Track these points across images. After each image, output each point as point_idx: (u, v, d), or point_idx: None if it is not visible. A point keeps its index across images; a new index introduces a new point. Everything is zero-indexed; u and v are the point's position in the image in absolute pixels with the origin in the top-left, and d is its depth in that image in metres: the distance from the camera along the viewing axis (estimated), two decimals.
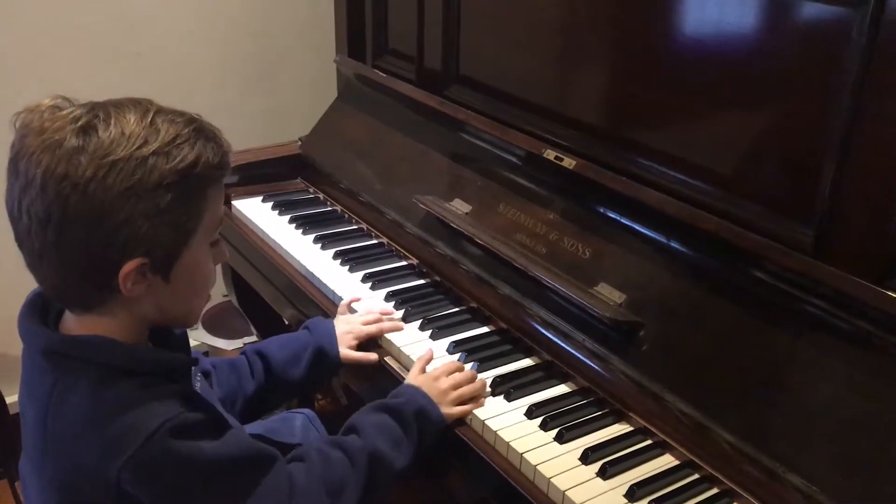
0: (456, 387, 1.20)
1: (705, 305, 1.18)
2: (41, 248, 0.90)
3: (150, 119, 0.91)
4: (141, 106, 0.93)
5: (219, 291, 2.06)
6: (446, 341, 1.34)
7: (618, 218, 1.31)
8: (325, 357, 1.31)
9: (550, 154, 1.38)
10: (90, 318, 0.96)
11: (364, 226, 1.73)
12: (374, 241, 1.69)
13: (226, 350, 2.27)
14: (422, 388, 1.20)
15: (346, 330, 1.34)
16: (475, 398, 1.21)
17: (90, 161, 0.87)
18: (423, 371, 1.26)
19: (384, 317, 1.39)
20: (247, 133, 2.36)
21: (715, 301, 1.18)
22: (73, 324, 0.98)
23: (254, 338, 2.22)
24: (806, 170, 1.13)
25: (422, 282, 1.54)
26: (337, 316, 1.40)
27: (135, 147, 0.88)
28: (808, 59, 1.11)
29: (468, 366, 1.28)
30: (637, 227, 1.28)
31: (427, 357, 1.28)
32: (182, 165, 0.90)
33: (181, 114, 0.96)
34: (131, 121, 0.90)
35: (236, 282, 1.92)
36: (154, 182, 0.89)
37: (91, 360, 0.94)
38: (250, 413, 1.30)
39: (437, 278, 1.53)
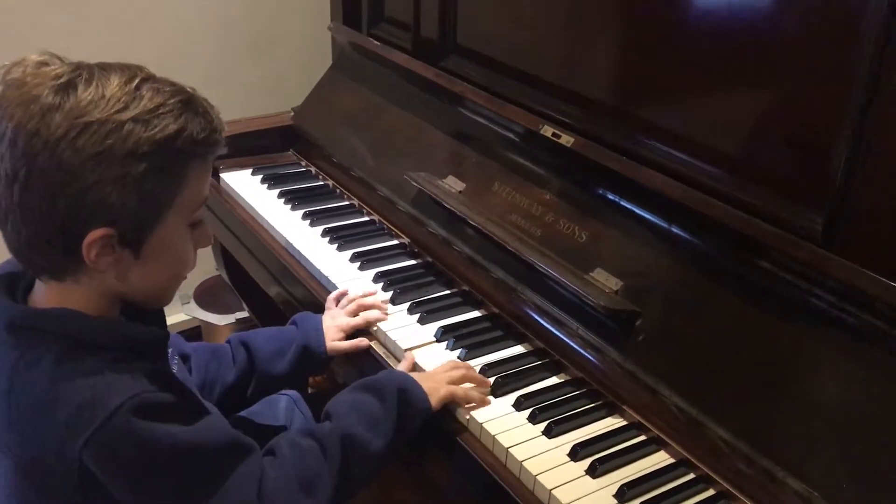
0: (450, 381, 1.13)
1: (706, 295, 1.11)
2: (7, 207, 0.87)
3: (134, 84, 0.87)
4: (129, 70, 0.89)
5: (211, 266, 2.00)
6: (434, 326, 1.29)
7: (617, 200, 1.24)
8: (310, 354, 1.26)
9: (548, 131, 1.31)
10: (58, 289, 0.92)
11: (356, 202, 1.67)
12: (366, 219, 1.62)
13: (218, 325, 2.22)
14: (406, 371, 1.15)
15: (332, 323, 1.29)
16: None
17: (63, 120, 0.83)
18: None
19: (368, 300, 1.33)
20: (241, 103, 2.29)
21: (716, 291, 1.11)
22: (41, 296, 0.94)
23: (247, 313, 2.17)
24: (816, 151, 1.06)
25: (412, 262, 1.48)
26: (325, 311, 1.34)
27: (112, 111, 0.84)
28: (823, 28, 1.03)
29: (455, 353, 1.23)
30: (637, 210, 1.21)
31: (411, 360, 1.21)
32: (161, 136, 0.86)
33: (172, 84, 0.91)
34: (114, 84, 0.86)
35: (227, 257, 1.86)
36: (128, 149, 0.84)
37: (56, 333, 0.90)
38: (229, 403, 1.25)
39: (429, 259, 1.46)
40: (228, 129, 1.75)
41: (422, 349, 1.24)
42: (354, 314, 1.31)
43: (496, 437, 1.07)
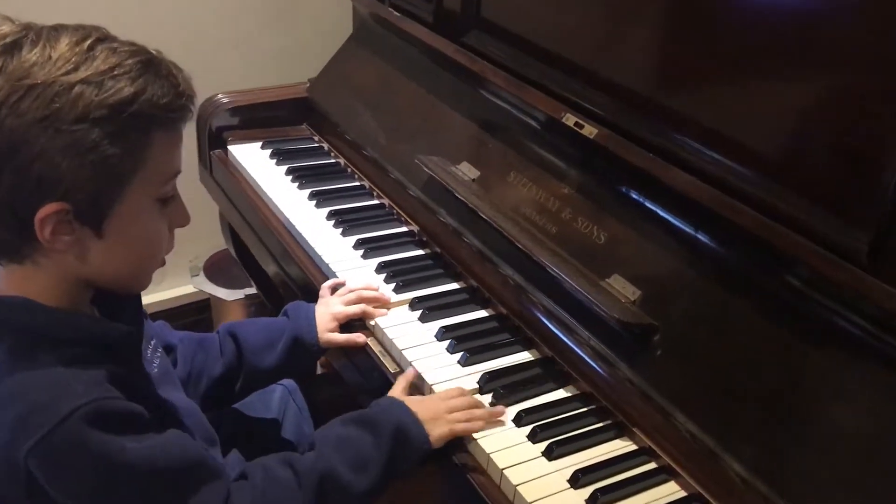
0: (451, 411, 1.02)
1: (731, 313, 1.00)
2: None
3: (87, 45, 0.80)
4: (83, 31, 0.81)
5: (222, 239, 1.93)
6: (436, 325, 1.19)
7: (640, 200, 1.13)
8: (301, 345, 1.18)
9: (570, 119, 1.20)
10: (18, 273, 0.85)
11: (366, 183, 1.57)
12: (375, 202, 1.53)
13: (226, 300, 2.15)
14: (406, 403, 1.03)
15: (325, 311, 1.21)
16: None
17: (5, 83, 0.77)
18: (406, 392, 1.09)
19: (370, 293, 1.24)
20: (260, 72, 2.22)
21: (743, 309, 1.00)
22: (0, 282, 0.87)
23: (256, 289, 2.09)
24: (868, 159, 0.93)
25: (420, 252, 1.38)
26: (319, 299, 1.26)
27: (60, 72, 0.77)
28: (883, 16, 0.90)
29: (456, 357, 1.13)
30: (661, 212, 1.10)
31: (410, 376, 1.11)
32: (114, 99, 0.78)
33: (132, 45, 0.83)
34: (63, 44, 0.79)
35: (234, 232, 1.79)
36: (77, 114, 0.77)
37: (11, 324, 0.84)
38: (217, 397, 1.17)
39: (438, 250, 1.37)
40: (240, 99, 1.74)
41: (419, 349, 1.15)
42: (352, 304, 1.23)
43: (491, 455, 0.98)
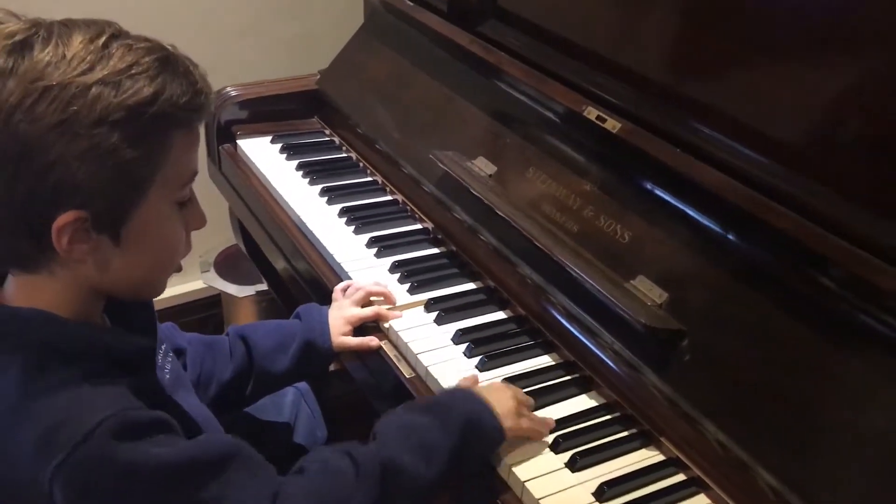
0: (520, 405, 0.97)
1: (764, 318, 0.95)
2: None
3: (102, 42, 0.75)
4: (96, 26, 0.77)
5: (231, 234, 1.89)
6: (453, 328, 1.15)
7: (666, 198, 1.08)
8: (314, 350, 1.14)
9: (592, 113, 1.15)
10: (31, 284, 0.81)
11: (379, 179, 1.53)
12: (388, 198, 1.48)
13: (238, 297, 2.11)
14: (483, 393, 0.96)
15: (338, 315, 1.17)
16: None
17: (17, 85, 0.72)
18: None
19: (378, 287, 1.20)
20: (274, 61, 2.17)
21: (775, 312, 0.95)
22: (13, 290, 0.84)
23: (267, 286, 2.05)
24: None
25: (435, 251, 1.34)
26: (332, 302, 1.22)
27: (76, 73, 0.73)
28: None
29: (474, 361, 1.09)
30: (689, 211, 1.05)
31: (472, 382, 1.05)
32: (134, 100, 0.74)
33: (147, 41, 0.79)
34: (77, 42, 0.74)
35: (243, 228, 1.75)
36: (96, 117, 0.73)
37: (26, 338, 0.79)
38: (227, 402, 1.13)
39: (453, 248, 1.32)
40: (249, 92, 1.69)
41: (435, 353, 1.11)
42: (363, 304, 1.19)
43: (513, 468, 0.94)
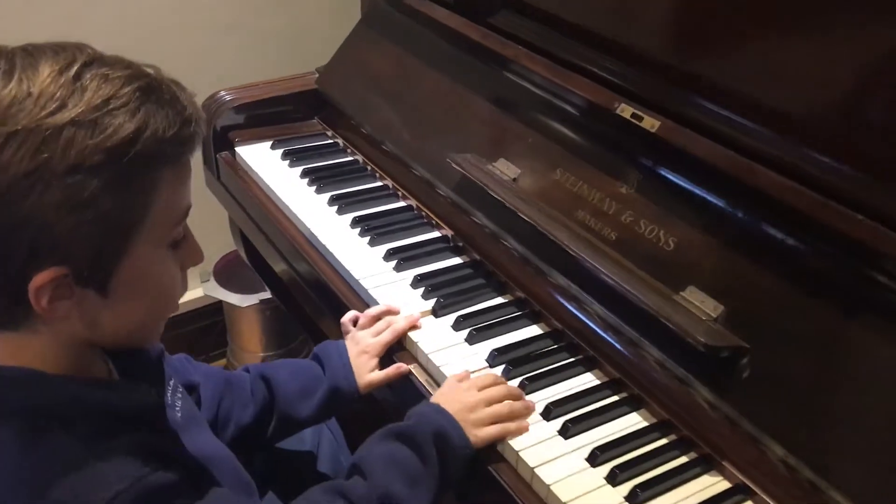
0: (489, 402, 0.95)
1: (836, 329, 0.88)
2: None
3: (73, 72, 0.66)
4: (65, 54, 0.67)
5: (231, 239, 1.80)
6: (486, 347, 1.07)
7: (715, 201, 1.00)
8: (340, 395, 1.06)
9: (626, 111, 1.07)
10: (12, 340, 0.72)
11: (389, 183, 1.44)
12: (401, 204, 1.40)
13: (240, 307, 2.02)
14: (442, 404, 0.95)
15: (358, 351, 1.09)
16: (516, 419, 0.95)
17: None
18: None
19: (397, 320, 1.11)
20: (259, 59, 2.06)
21: (844, 324, 0.88)
22: None
23: (270, 294, 1.97)
24: None
25: (457, 261, 1.26)
26: (346, 336, 1.13)
27: (45, 113, 0.64)
28: None
29: (513, 382, 1.01)
30: (742, 215, 0.97)
31: (461, 376, 1.01)
32: (113, 141, 0.65)
33: (126, 66, 0.70)
34: (44, 74, 0.65)
35: (244, 235, 1.66)
36: (70, 164, 0.64)
37: (12, 401, 0.71)
38: (244, 444, 1.05)
39: (477, 257, 1.24)
40: (244, 95, 1.60)
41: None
42: (380, 331, 1.11)
43: (552, 487, 0.87)
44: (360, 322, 1.13)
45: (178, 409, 0.91)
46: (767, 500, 0.87)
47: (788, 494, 0.87)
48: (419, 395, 1.05)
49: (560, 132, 1.19)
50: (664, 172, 1.05)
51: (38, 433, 0.70)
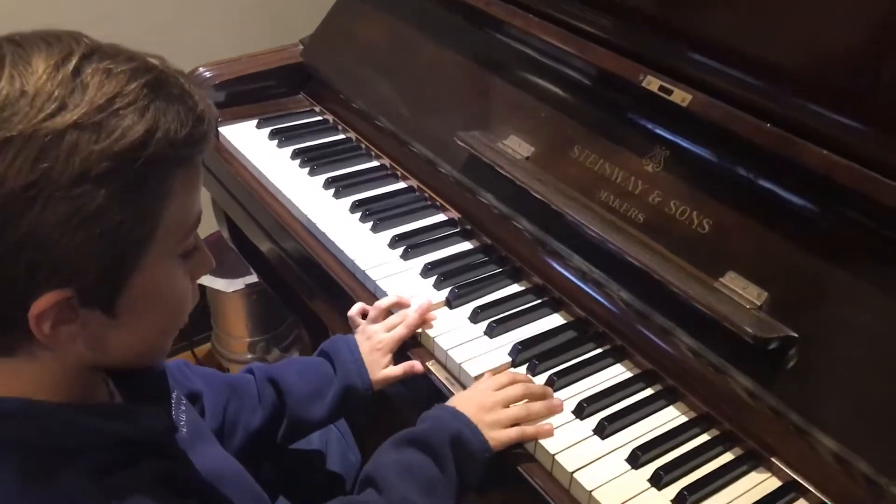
0: (507, 403, 0.90)
1: (889, 314, 0.83)
2: None
3: (71, 67, 0.58)
4: (60, 45, 0.59)
5: (212, 222, 1.70)
6: (508, 340, 1.01)
7: (755, 180, 0.93)
8: (353, 394, 0.99)
9: (652, 83, 0.99)
10: (8, 368, 0.64)
11: (387, 162, 1.36)
12: (402, 185, 1.32)
13: (225, 292, 1.93)
14: (458, 406, 0.89)
15: (370, 348, 1.01)
16: (536, 420, 0.90)
17: None
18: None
19: (397, 303, 1.05)
20: (237, 30, 1.96)
21: None
22: None
23: (256, 277, 1.88)
24: None
25: (467, 246, 1.19)
26: (355, 330, 1.06)
27: (43, 115, 0.55)
28: None
29: (541, 379, 0.95)
30: (785, 193, 0.91)
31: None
32: (122, 145, 0.57)
33: (129, 58, 0.61)
34: (39, 70, 0.57)
35: (228, 216, 1.56)
36: (75, 173, 0.56)
37: (10, 437, 0.63)
38: (254, 450, 0.98)
39: (487, 240, 1.17)
40: (226, 71, 1.49)
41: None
42: (393, 325, 1.04)
43: (594, 494, 0.81)
44: (371, 315, 1.06)
45: (182, 424, 0.84)
46: (821, 496, 0.83)
47: (843, 490, 0.82)
48: (435, 390, 0.99)
49: (576, 106, 1.12)
50: (695, 149, 0.98)
51: (40, 471, 0.62)
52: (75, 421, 0.65)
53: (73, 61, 0.57)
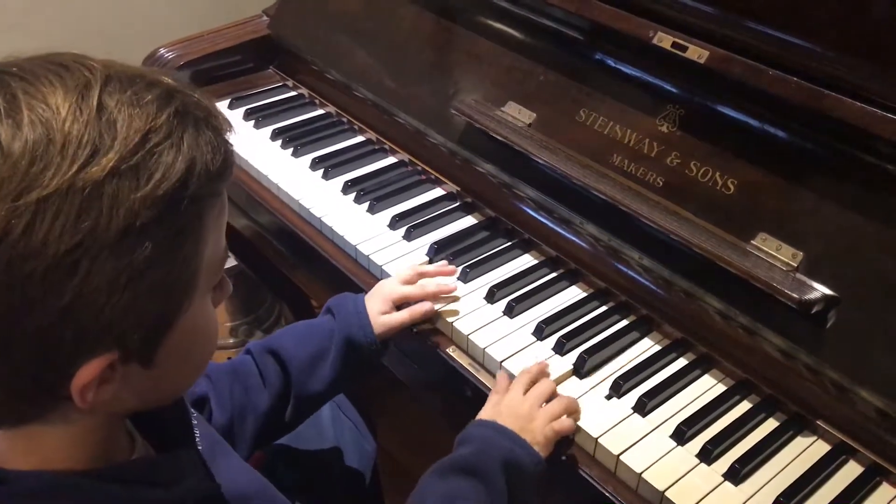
0: (539, 403, 0.85)
1: None
2: None
3: (94, 103, 0.50)
4: (72, 76, 0.51)
5: None
6: (530, 319, 0.97)
7: (782, 136, 0.90)
8: (356, 347, 0.93)
9: (664, 40, 0.94)
10: (29, 434, 0.58)
11: (372, 136, 1.29)
12: (393, 160, 1.26)
13: None
14: (497, 419, 0.84)
15: (375, 296, 0.96)
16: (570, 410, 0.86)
17: None
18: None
19: (434, 271, 1.00)
20: (193, 4, 1.85)
21: None
22: (1, 440, 0.59)
23: (234, 261, 1.80)
24: None
25: (471, 220, 1.14)
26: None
27: (78, 165, 0.48)
28: None
29: (570, 359, 0.92)
30: (818, 149, 0.87)
31: (504, 384, 0.89)
32: (165, 188, 0.51)
33: (148, 82, 0.54)
34: (62, 112, 0.49)
35: None
36: (120, 227, 0.49)
37: None
38: (266, 435, 0.93)
39: (492, 213, 1.12)
40: (190, 50, 1.40)
41: (520, 355, 0.93)
42: (408, 281, 0.99)
43: (644, 475, 0.79)
44: (397, 274, 1.00)
45: (198, 437, 0.78)
46: (870, 455, 0.81)
47: (892, 448, 0.80)
48: (453, 372, 0.94)
49: (577, 67, 1.06)
50: (714, 107, 0.94)
51: None
52: (109, 493, 0.58)
53: (95, 95, 0.50)
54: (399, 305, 0.97)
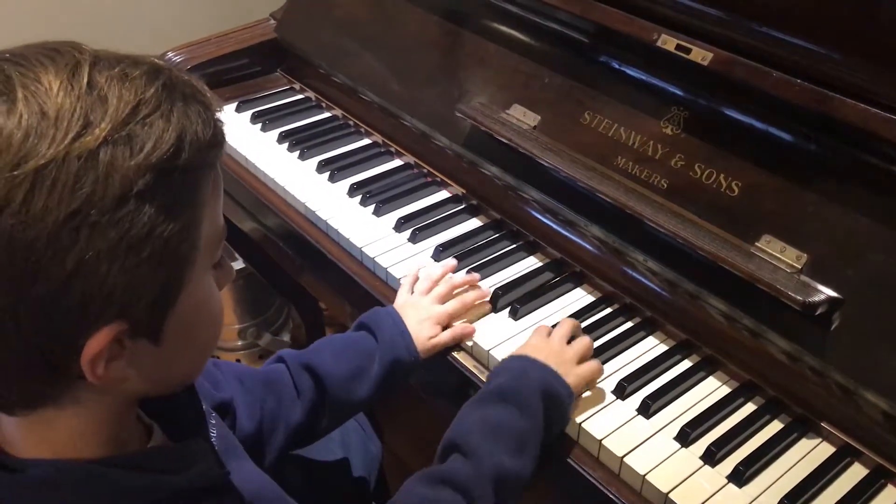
0: (578, 354, 0.90)
1: None
2: None
3: (84, 80, 0.52)
4: (63, 57, 0.53)
5: None
6: (535, 321, 0.97)
7: (786, 138, 0.90)
8: (401, 367, 0.94)
9: (668, 42, 0.95)
10: (41, 420, 0.58)
11: (378, 139, 1.30)
12: (399, 162, 1.26)
13: None
14: (531, 354, 0.86)
15: (418, 319, 0.96)
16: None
17: None
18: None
19: (464, 282, 1.01)
20: (201, 10, 1.86)
21: None
22: (13, 432, 0.60)
23: (242, 263, 1.81)
24: None
25: (476, 223, 1.14)
26: (398, 298, 1.01)
27: (72, 135, 0.50)
28: None
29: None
30: (821, 151, 0.87)
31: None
32: (158, 155, 0.53)
33: (133, 61, 0.56)
34: (54, 88, 0.51)
35: None
36: (116, 193, 0.51)
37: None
38: (294, 445, 0.94)
39: (497, 215, 1.13)
40: (196, 54, 1.42)
41: None
42: (442, 296, 0.99)
43: (648, 478, 0.79)
44: (422, 287, 1.00)
45: (214, 438, 0.79)
46: (875, 458, 0.81)
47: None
48: (461, 376, 0.95)
49: (581, 69, 1.07)
50: (718, 109, 0.94)
51: None
52: (121, 481, 0.59)
53: (85, 72, 0.52)
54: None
